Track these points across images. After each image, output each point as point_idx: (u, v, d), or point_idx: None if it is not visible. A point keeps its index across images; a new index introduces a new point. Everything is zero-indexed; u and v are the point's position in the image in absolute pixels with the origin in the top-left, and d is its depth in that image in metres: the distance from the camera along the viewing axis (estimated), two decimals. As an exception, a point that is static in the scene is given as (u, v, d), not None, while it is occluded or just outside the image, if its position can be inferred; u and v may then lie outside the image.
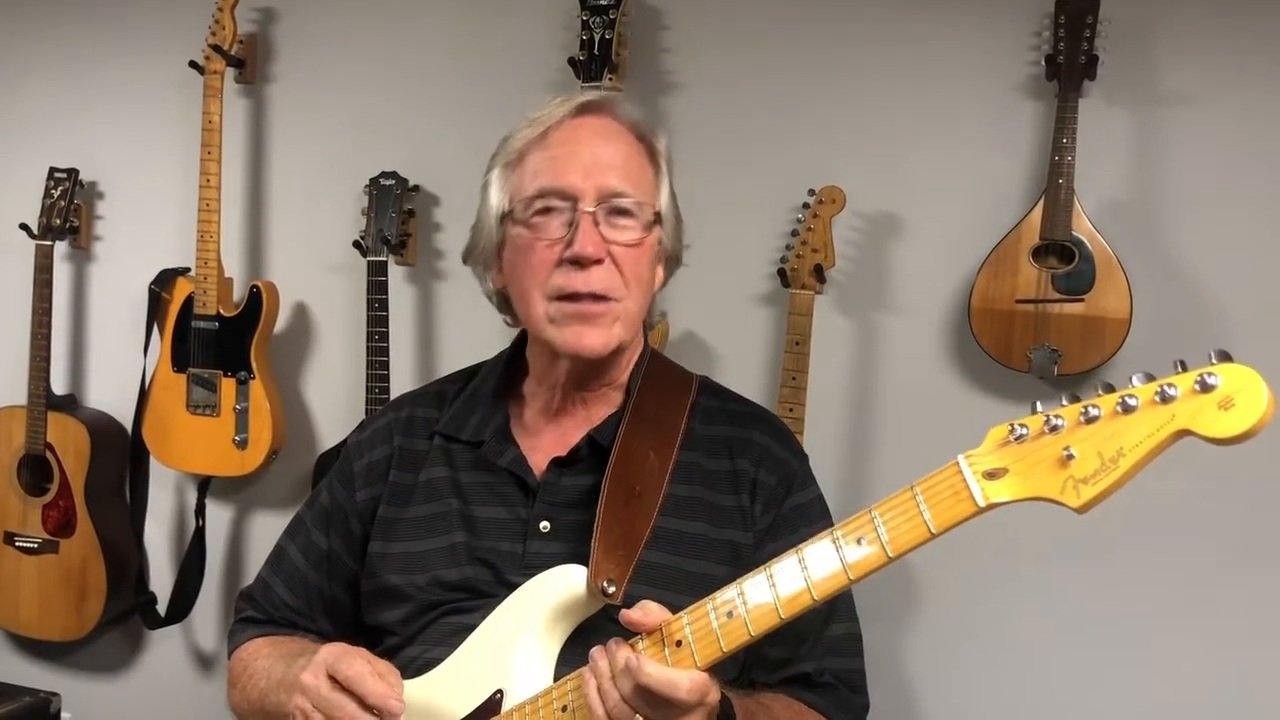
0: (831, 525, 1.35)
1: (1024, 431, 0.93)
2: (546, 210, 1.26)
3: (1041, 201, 2.03)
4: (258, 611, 1.44)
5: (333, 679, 1.13)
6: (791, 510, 1.32)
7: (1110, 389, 0.90)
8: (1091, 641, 2.14)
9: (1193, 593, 2.08)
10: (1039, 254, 2.04)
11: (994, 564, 2.18)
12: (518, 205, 1.28)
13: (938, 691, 2.25)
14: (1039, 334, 2.02)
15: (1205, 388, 0.84)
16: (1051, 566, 2.15)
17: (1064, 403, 0.92)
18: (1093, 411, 0.89)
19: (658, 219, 1.31)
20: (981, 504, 0.93)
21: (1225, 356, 0.85)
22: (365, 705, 1.11)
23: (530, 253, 1.26)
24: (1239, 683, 2.06)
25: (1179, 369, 0.87)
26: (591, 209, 1.24)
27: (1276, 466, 2.01)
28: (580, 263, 1.23)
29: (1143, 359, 2.03)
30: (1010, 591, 2.19)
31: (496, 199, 1.32)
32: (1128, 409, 0.88)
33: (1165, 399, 0.86)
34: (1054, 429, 0.91)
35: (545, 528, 1.28)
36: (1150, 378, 0.88)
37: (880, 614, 2.21)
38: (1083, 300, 2.01)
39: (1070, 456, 0.89)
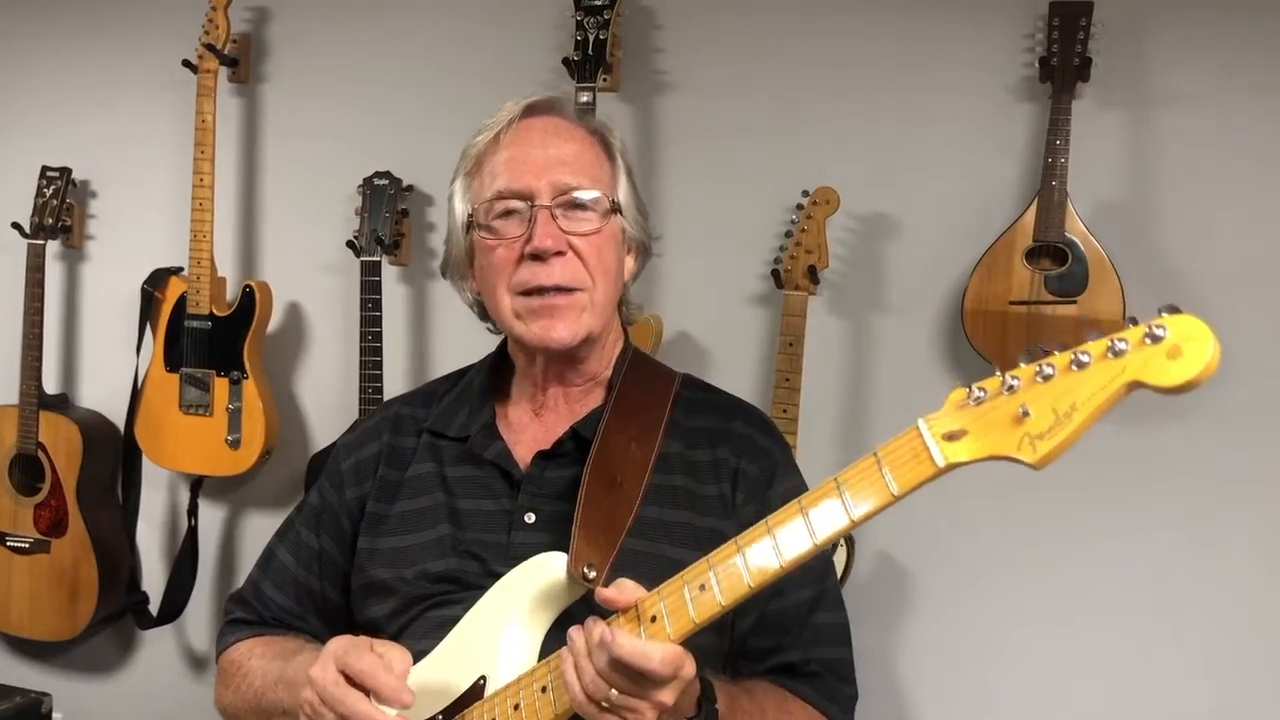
0: None
1: (982, 394, 0.95)
2: (506, 213, 1.29)
3: (1035, 203, 2.03)
4: (248, 613, 1.44)
5: (342, 673, 1.13)
6: (775, 498, 1.31)
7: (1065, 348, 0.92)
8: (1085, 640, 2.14)
9: (1190, 591, 2.09)
10: (1032, 255, 2.04)
11: (987, 564, 2.19)
12: (479, 210, 1.31)
13: (931, 693, 2.25)
14: (1032, 335, 2.02)
15: (1154, 339, 0.86)
16: (1045, 566, 2.15)
17: (1022, 364, 0.94)
18: (1047, 370, 0.91)
19: (615, 208, 1.33)
20: (941, 464, 0.95)
21: (1173, 309, 0.87)
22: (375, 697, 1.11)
23: (493, 253, 1.29)
24: (1235, 680, 2.06)
25: (1130, 325, 0.89)
26: (547, 204, 1.27)
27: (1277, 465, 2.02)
28: (540, 256, 1.26)
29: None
30: (1003, 591, 2.19)
31: (460, 208, 1.35)
32: (1080, 365, 0.90)
33: (1116, 353, 0.88)
34: (1010, 389, 0.93)
35: (530, 519, 1.29)
36: (1102, 335, 0.91)
37: (874, 615, 2.22)
38: (1075, 302, 2.01)
39: (1026, 414, 0.91)
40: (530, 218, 1.27)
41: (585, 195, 1.29)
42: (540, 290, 1.27)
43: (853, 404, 2.27)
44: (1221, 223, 2.05)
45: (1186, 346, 0.85)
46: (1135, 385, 0.87)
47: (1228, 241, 2.05)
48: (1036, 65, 2.06)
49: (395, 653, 1.14)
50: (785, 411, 2.08)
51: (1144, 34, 2.08)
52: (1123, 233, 2.06)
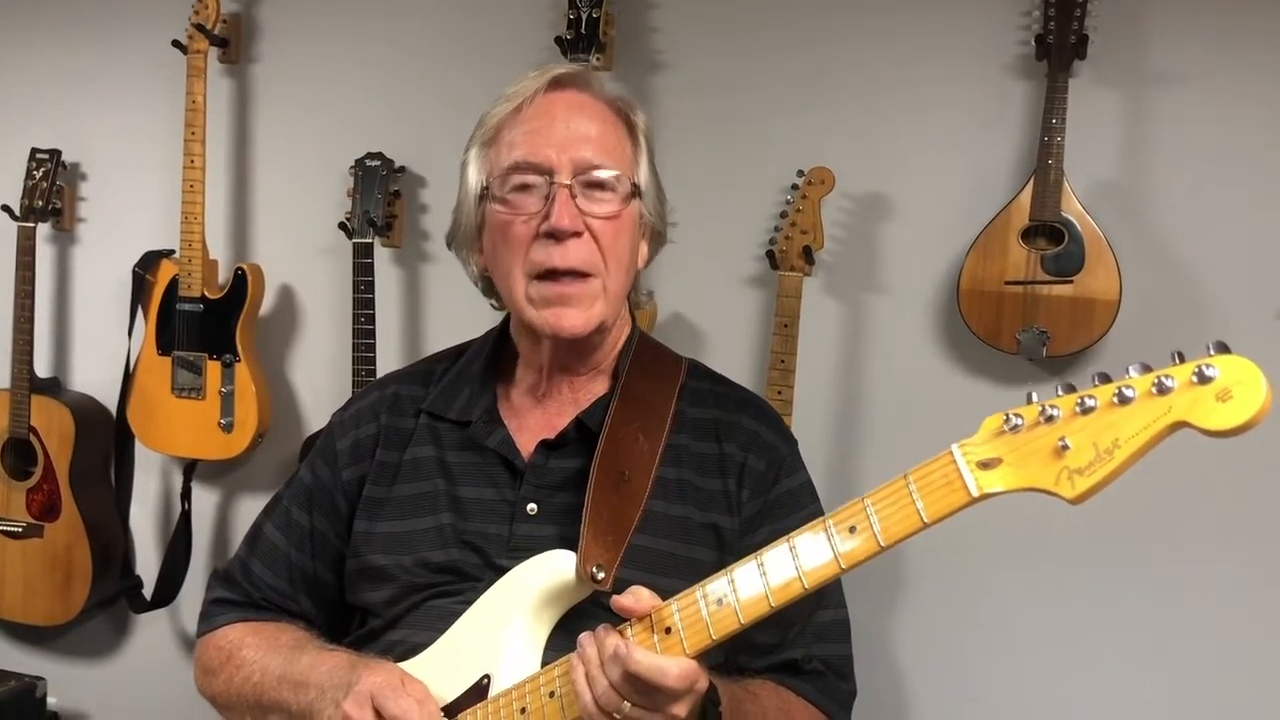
0: (820, 509, 1.34)
1: (1019, 421, 0.92)
2: (523, 187, 1.24)
3: (1031, 182, 2.02)
4: (235, 593, 1.41)
5: (377, 712, 1.12)
6: (780, 495, 1.31)
7: (1106, 379, 0.89)
8: (1082, 626, 2.14)
9: (1185, 578, 2.08)
10: (1028, 235, 2.03)
11: (985, 548, 2.18)
12: (494, 182, 1.26)
13: (927, 674, 2.25)
14: (1028, 315, 2.02)
15: (1203, 379, 0.83)
16: (1042, 551, 2.15)
17: (1059, 393, 0.91)
18: (1089, 402, 0.88)
19: (636, 191, 1.30)
20: (975, 494, 0.92)
21: (1224, 348, 0.84)
22: None
23: (508, 229, 1.25)
24: (1231, 671, 2.06)
25: (1176, 360, 0.86)
26: (568, 182, 1.23)
27: (1274, 459, 2.02)
28: (556, 236, 1.22)
29: (1131, 341, 2.05)
30: (1001, 575, 2.18)
31: (474, 178, 1.31)
32: (1124, 400, 0.86)
33: (1162, 390, 0.85)
34: (1049, 419, 0.90)
35: (532, 510, 1.27)
36: (1147, 369, 0.87)
37: (870, 597, 2.21)
38: (1071, 282, 2.00)
39: (1065, 447, 0.88)
40: (549, 195, 1.23)
41: (606, 175, 1.25)
42: (554, 274, 1.23)
43: (848, 385, 2.26)
44: (1218, 202, 2.04)
45: (1237, 390, 0.82)
46: (1181, 425, 0.84)
47: (1224, 221, 2.04)
48: (1033, 43, 2.04)
49: (420, 688, 1.14)
50: (780, 393, 2.07)
51: (1141, 12, 2.06)
52: (1119, 212, 2.05)
